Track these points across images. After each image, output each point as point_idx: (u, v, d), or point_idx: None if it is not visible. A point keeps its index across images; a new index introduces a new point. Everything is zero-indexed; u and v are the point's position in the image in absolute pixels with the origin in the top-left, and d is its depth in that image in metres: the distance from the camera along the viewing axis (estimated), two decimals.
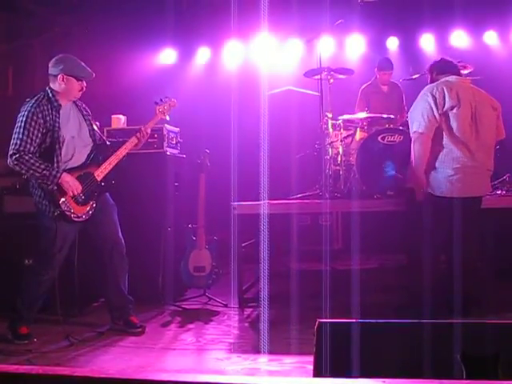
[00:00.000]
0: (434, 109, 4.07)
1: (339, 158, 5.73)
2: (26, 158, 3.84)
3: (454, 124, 4.07)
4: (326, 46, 7.76)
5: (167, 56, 8.27)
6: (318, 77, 5.84)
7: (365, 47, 8.22)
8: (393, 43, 8.21)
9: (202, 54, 8.45)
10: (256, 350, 3.78)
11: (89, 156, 4.11)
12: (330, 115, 5.83)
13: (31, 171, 3.86)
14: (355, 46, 8.20)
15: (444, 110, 4.07)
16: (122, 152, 4.24)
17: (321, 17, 6.44)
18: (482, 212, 4.36)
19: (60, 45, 7.78)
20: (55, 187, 3.89)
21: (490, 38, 8.08)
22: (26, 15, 7.06)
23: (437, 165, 4.12)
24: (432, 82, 4.37)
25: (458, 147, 4.09)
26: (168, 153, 5.36)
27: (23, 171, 3.90)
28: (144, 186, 5.19)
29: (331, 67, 5.89)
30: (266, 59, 7.96)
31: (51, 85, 4.06)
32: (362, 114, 5.84)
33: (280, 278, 6.08)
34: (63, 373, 1.72)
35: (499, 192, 4.96)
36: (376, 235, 6.92)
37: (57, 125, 3.99)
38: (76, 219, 3.97)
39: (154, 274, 5.14)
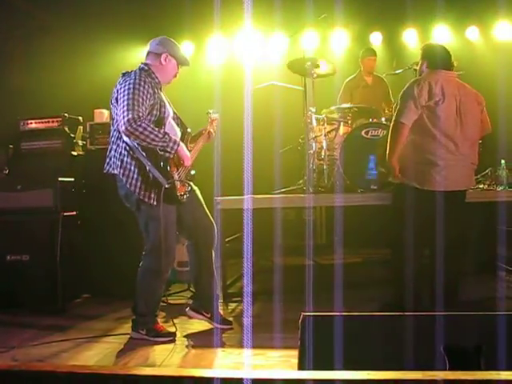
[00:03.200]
0: (418, 101, 4.08)
1: (323, 153, 5.74)
2: (145, 123, 3.61)
3: (438, 118, 4.09)
4: (310, 41, 7.79)
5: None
6: (303, 74, 5.83)
7: (348, 42, 8.23)
8: (376, 38, 8.23)
9: (186, 49, 8.41)
10: (241, 345, 3.78)
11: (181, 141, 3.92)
12: (313, 110, 5.84)
13: (151, 137, 3.61)
14: (339, 41, 8.21)
15: (428, 103, 4.08)
16: (200, 146, 4.18)
17: (304, 11, 6.45)
18: (465, 206, 4.39)
19: (39, 38, 7.72)
20: (172, 156, 3.75)
21: (473, 33, 8.14)
22: (3, 8, 6.97)
23: (421, 158, 4.13)
24: (421, 69, 4.38)
25: (443, 141, 4.10)
26: None
27: (141, 138, 3.59)
28: None
29: (316, 62, 5.87)
30: (249, 54, 7.96)
31: (149, 61, 3.94)
32: (346, 105, 5.88)
33: (264, 272, 6.11)
34: (46, 369, 1.70)
35: (482, 186, 5.00)
36: (360, 230, 6.95)
37: (162, 99, 3.87)
38: (180, 198, 3.81)
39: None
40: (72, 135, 5.36)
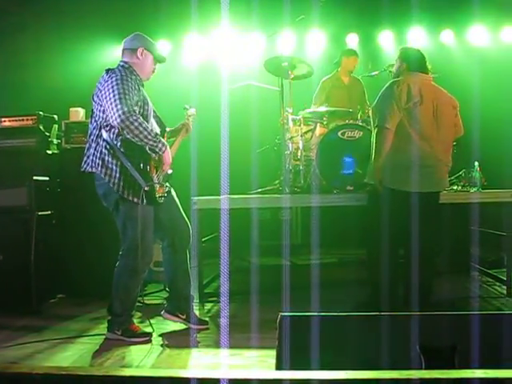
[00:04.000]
0: (398, 104, 4.12)
1: (299, 153, 5.76)
2: (140, 119, 3.59)
3: (416, 120, 4.13)
4: (287, 42, 7.81)
5: None
6: (280, 75, 5.83)
7: (325, 43, 8.27)
8: (352, 40, 8.29)
9: (162, 48, 8.36)
10: (217, 345, 3.79)
11: None
12: (290, 110, 5.85)
13: (144, 134, 3.59)
14: (316, 42, 8.24)
15: (407, 105, 4.12)
16: (178, 142, 4.17)
17: (282, 12, 6.47)
18: (439, 207, 4.45)
19: (13, 35, 7.62)
20: (156, 157, 3.74)
21: (447, 36, 8.25)
22: None
23: (397, 159, 4.16)
24: (397, 71, 4.41)
25: (420, 143, 4.15)
26: None
27: (135, 133, 3.56)
28: None
29: (293, 62, 5.88)
30: (226, 54, 7.95)
31: (126, 59, 3.90)
32: (322, 108, 5.90)
33: (240, 272, 6.11)
34: (22, 371, 1.69)
35: (455, 187, 5.07)
36: (335, 230, 7.00)
37: (145, 96, 3.84)
38: (158, 199, 3.79)
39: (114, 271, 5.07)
40: (47, 134, 5.31)
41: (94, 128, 3.81)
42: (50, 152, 5.28)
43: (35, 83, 7.22)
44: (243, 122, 6.95)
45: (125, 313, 3.88)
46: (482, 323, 2.02)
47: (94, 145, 3.79)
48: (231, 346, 3.68)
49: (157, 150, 3.72)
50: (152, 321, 4.16)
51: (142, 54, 3.91)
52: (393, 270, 4.18)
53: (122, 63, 3.89)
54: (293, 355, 1.93)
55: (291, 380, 1.55)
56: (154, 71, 4.02)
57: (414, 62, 4.35)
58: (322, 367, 1.75)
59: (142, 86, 3.92)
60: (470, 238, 5.48)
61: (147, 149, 3.71)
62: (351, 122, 5.52)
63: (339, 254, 7.34)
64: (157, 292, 5.27)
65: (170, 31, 8.27)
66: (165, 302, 4.28)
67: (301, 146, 5.75)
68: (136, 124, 3.56)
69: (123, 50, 3.97)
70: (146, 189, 3.69)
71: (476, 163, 5.06)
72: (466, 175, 5.10)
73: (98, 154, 3.75)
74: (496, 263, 5.77)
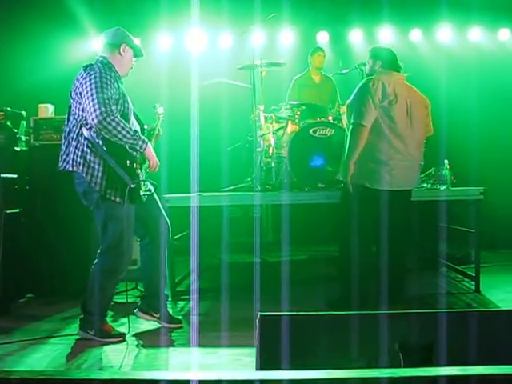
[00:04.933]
0: (374, 102, 4.14)
1: (271, 151, 5.78)
2: (118, 118, 3.54)
3: (390, 118, 4.16)
4: (258, 39, 7.79)
5: (97, 44, 8.05)
6: (252, 69, 5.84)
7: (296, 40, 8.28)
8: (323, 37, 8.31)
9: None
10: (190, 343, 3.77)
11: None
12: (261, 107, 5.86)
13: (123, 133, 3.54)
14: (286, 39, 8.25)
15: (382, 103, 4.16)
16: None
17: (253, 9, 6.45)
18: (411, 204, 4.50)
19: None
20: (138, 155, 3.69)
21: (416, 35, 8.34)
22: None
23: (371, 157, 4.19)
24: (370, 70, 4.44)
25: (394, 141, 4.19)
26: None
27: (113, 133, 3.52)
28: (73, 179, 5.03)
29: (263, 60, 5.90)
30: (197, 51, 7.91)
31: (105, 54, 3.83)
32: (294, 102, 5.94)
33: (212, 270, 6.11)
34: None
35: (425, 185, 5.13)
36: (306, 227, 7.05)
37: (124, 93, 3.79)
38: (142, 197, 3.74)
39: (85, 269, 5.00)
40: (15, 130, 5.19)
41: (73, 126, 3.73)
42: (18, 149, 5.17)
43: (2, 78, 7.06)
44: (214, 120, 6.94)
45: (99, 312, 3.82)
46: (459, 320, 2.06)
47: (74, 143, 3.71)
48: (205, 345, 3.67)
49: (137, 147, 3.68)
50: (124, 320, 4.12)
51: (124, 50, 3.86)
52: (365, 267, 4.22)
53: (100, 58, 3.83)
54: (273, 355, 1.94)
55: (275, 380, 1.54)
56: (132, 67, 3.98)
57: (386, 61, 4.40)
58: (304, 367, 1.75)
59: (121, 82, 3.87)
60: (439, 235, 5.57)
61: (127, 147, 3.66)
62: (323, 119, 5.55)
63: (309, 250, 7.38)
64: (129, 290, 5.21)
65: (139, 27, 8.17)
66: (138, 301, 4.24)
67: (272, 143, 5.77)
68: (114, 124, 3.52)
69: (105, 43, 3.90)
70: (132, 186, 3.64)
71: (446, 161, 5.13)
72: (436, 173, 5.16)
73: (80, 153, 3.68)
74: (464, 259, 5.88)
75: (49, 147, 5.13)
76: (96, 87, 3.56)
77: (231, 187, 5.95)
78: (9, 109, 5.16)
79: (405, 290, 4.42)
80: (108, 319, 3.98)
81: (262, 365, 1.95)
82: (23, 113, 5.32)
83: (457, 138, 6.51)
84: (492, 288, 5.12)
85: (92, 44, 8.01)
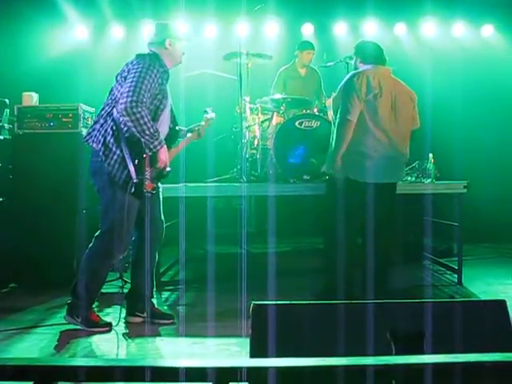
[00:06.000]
0: (359, 95, 4.16)
1: (256, 142, 5.78)
2: (145, 111, 3.58)
3: (375, 111, 4.19)
4: (243, 30, 7.78)
5: (80, 32, 7.98)
6: (237, 60, 5.82)
7: (281, 32, 8.27)
8: (308, 29, 8.31)
9: (116, 32, 8.19)
10: (177, 333, 3.78)
11: (166, 137, 3.88)
12: (247, 99, 5.85)
13: (143, 127, 3.56)
14: (272, 31, 8.23)
15: (367, 97, 4.18)
16: (181, 146, 4.24)
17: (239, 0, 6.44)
18: (395, 197, 4.54)
19: None
20: (150, 154, 3.69)
21: (400, 29, 8.38)
22: None
23: (356, 150, 4.22)
24: (356, 64, 4.47)
25: (378, 134, 4.22)
26: (83, 133, 5.17)
27: (135, 123, 3.55)
28: (57, 166, 5.00)
29: (250, 51, 5.88)
30: (182, 41, 7.85)
31: (154, 49, 3.91)
32: (279, 96, 5.92)
33: (197, 260, 6.10)
34: None
35: (410, 178, 5.17)
36: (291, 219, 7.06)
37: (166, 91, 3.82)
38: (145, 194, 3.75)
39: (68, 258, 4.98)
40: None
41: (107, 105, 3.81)
42: (1, 137, 5.11)
43: None
44: (199, 110, 6.90)
45: (88, 297, 3.79)
46: (448, 310, 2.09)
47: (102, 121, 3.78)
48: (191, 335, 3.68)
49: (151, 146, 3.68)
50: (109, 310, 4.11)
51: (169, 44, 3.94)
52: (350, 259, 4.25)
53: (151, 52, 3.91)
54: (267, 343, 1.95)
55: (269, 367, 1.55)
56: (184, 52, 4.07)
57: (371, 55, 4.42)
58: (298, 355, 1.76)
59: (167, 79, 3.90)
60: (422, 228, 5.62)
61: (143, 143, 3.67)
62: (308, 111, 5.55)
63: (293, 242, 7.41)
64: (113, 280, 5.19)
65: (124, 17, 8.10)
66: (121, 290, 4.24)
67: (258, 134, 5.77)
68: (138, 116, 3.55)
69: (150, 43, 3.99)
70: (134, 181, 3.66)
71: (430, 155, 5.17)
72: (420, 166, 5.20)
73: (103, 132, 3.73)
74: (447, 252, 5.95)
75: (32, 136, 5.09)
76: (139, 76, 3.62)
77: (217, 178, 5.94)
78: None
79: (388, 282, 4.45)
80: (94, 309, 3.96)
81: (256, 353, 1.96)
82: (6, 101, 5.25)
83: (441, 131, 6.57)
84: (474, 280, 5.19)
85: (76, 32, 7.94)
